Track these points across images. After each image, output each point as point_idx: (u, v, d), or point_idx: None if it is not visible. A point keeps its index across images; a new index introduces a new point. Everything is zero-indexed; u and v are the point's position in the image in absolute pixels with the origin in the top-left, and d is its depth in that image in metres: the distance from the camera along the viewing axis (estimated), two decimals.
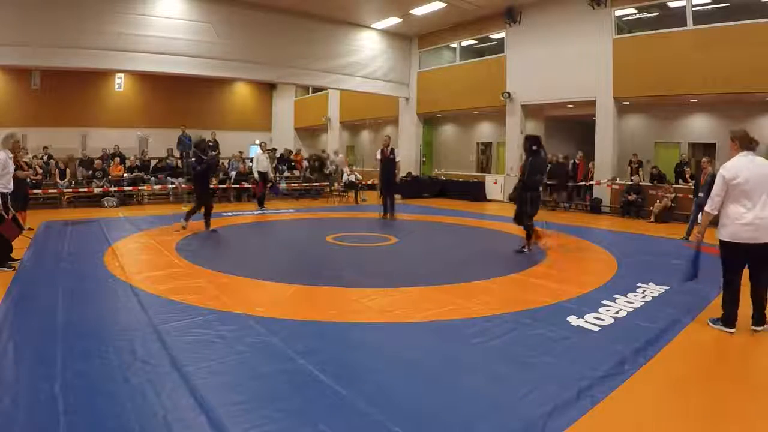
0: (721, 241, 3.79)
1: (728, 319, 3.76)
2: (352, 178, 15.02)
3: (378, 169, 10.36)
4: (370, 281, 5.26)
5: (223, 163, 15.15)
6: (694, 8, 10.96)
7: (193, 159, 8.32)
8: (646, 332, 3.72)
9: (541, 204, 7.04)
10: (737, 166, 3.64)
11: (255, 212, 11.27)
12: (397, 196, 15.86)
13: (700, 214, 7.96)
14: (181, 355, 3.15)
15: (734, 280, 3.74)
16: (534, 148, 6.71)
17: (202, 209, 8.20)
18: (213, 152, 7.86)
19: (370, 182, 16.30)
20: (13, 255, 5.83)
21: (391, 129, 19.89)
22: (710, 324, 3.87)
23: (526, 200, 6.78)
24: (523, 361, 3.21)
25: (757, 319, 3.75)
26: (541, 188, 6.84)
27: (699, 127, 12.92)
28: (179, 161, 15.03)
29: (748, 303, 3.78)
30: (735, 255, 3.72)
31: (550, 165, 13.20)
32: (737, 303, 3.74)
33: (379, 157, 10.07)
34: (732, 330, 3.72)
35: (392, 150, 10.09)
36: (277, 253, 7.27)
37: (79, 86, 17.45)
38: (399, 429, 2.35)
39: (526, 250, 6.90)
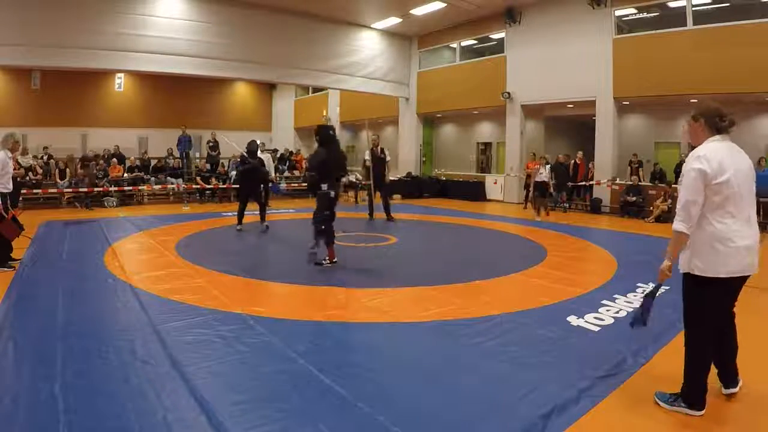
0: (698, 278, 2.43)
1: (696, 397, 2.51)
2: (352, 178, 15.01)
3: (364, 170, 10.29)
4: (370, 281, 5.26)
5: (222, 163, 15.18)
6: (694, 8, 10.96)
7: (239, 159, 8.94)
8: (646, 332, 3.70)
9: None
10: (719, 157, 2.36)
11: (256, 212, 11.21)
12: (397, 196, 15.93)
13: None
14: (181, 355, 3.15)
15: (710, 336, 2.51)
16: (316, 138, 5.78)
17: (256, 206, 8.70)
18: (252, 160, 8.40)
19: (369, 182, 16.28)
20: (13, 255, 5.84)
21: (391, 129, 19.90)
22: (660, 402, 2.61)
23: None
24: (523, 361, 3.20)
25: (729, 376, 2.65)
26: (325, 186, 5.62)
27: None
28: (179, 161, 15.03)
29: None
30: (723, 297, 2.47)
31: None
32: (708, 370, 2.53)
33: (368, 157, 9.97)
34: (701, 413, 2.51)
35: (382, 149, 10.00)
36: (277, 253, 7.27)
37: (79, 86, 17.45)
38: (399, 429, 2.35)
39: (315, 250, 5.81)
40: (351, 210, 12.54)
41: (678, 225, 2.42)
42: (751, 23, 10.07)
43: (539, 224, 10.09)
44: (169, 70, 12.85)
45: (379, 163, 9.92)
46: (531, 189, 12.76)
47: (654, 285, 2.69)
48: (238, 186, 9.30)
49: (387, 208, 10.03)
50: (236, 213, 8.66)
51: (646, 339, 3.58)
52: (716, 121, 2.45)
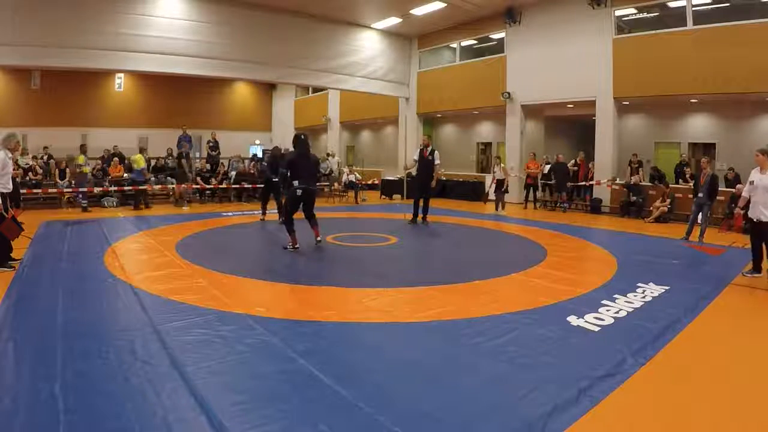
0: (752, 220, 5.67)
1: (757, 268, 5.69)
2: (352, 177, 15.02)
3: (404, 171, 10.14)
4: (370, 281, 5.26)
5: (223, 163, 15.18)
6: (694, 8, 10.96)
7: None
8: (646, 332, 3.73)
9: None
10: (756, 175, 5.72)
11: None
12: (397, 197, 15.94)
13: (700, 214, 8.08)
14: (181, 355, 3.15)
15: (759, 244, 5.67)
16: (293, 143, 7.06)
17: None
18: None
19: (370, 182, 16.30)
20: (13, 255, 5.83)
21: (392, 129, 19.90)
22: (745, 275, 5.69)
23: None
24: (523, 361, 3.20)
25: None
26: (296, 182, 6.69)
27: (699, 127, 12.91)
28: (179, 161, 15.00)
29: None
30: (757, 226, 5.63)
31: (550, 165, 13.31)
32: (762, 258, 5.66)
33: (416, 158, 9.66)
34: (760, 274, 5.61)
35: (432, 151, 9.53)
36: (278, 253, 7.27)
37: (79, 86, 17.46)
38: (399, 429, 2.35)
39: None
40: (352, 209, 12.53)
41: (745, 193, 5.78)
42: (751, 23, 10.07)
43: (505, 218, 10.55)
44: (169, 70, 12.84)
45: (426, 165, 9.46)
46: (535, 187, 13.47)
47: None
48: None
49: (425, 210, 9.76)
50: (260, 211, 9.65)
51: (646, 339, 3.59)
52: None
